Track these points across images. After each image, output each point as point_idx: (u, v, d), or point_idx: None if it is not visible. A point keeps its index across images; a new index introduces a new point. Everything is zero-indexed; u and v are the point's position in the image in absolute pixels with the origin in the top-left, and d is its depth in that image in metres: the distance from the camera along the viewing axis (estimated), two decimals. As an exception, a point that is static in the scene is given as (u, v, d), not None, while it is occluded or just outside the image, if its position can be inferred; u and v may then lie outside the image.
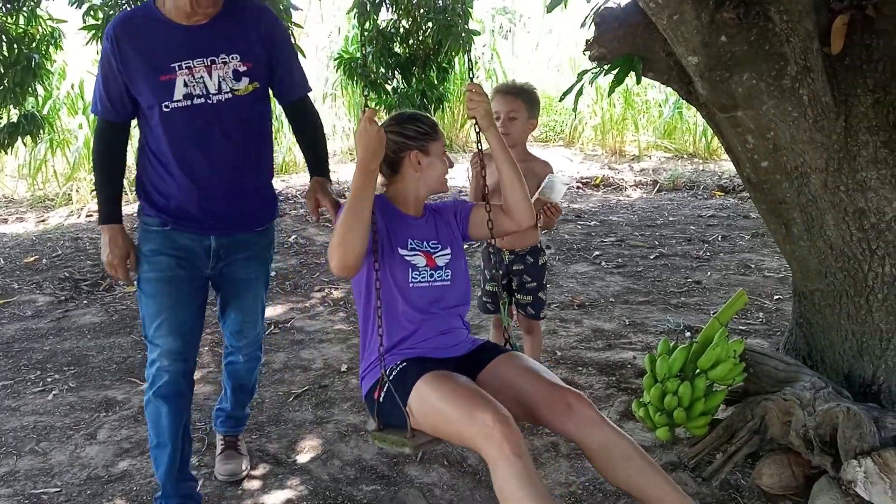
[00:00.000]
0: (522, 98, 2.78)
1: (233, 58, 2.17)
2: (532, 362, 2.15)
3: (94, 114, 2.29)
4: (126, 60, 2.14)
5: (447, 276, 2.16)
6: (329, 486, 2.55)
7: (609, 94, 2.38)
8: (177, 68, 2.13)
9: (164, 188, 2.24)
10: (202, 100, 2.15)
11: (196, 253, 2.28)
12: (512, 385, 2.05)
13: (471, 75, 2.33)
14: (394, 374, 2.03)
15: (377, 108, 4.51)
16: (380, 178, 2.14)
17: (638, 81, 2.54)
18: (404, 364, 2.05)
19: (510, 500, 1.80)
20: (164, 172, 2.22)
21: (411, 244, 2.15)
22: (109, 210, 2.28)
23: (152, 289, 2.26)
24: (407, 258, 2.13)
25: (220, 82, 2.16)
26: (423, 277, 2.13)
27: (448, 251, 2.19)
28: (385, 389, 2.01)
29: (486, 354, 2.17)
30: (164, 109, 2.14)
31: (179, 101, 2.14)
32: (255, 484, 2.58)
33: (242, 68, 2.18)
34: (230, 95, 2.18)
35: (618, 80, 2.54)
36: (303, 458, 2.74)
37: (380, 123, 2.04)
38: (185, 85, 2.13)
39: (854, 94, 2.30)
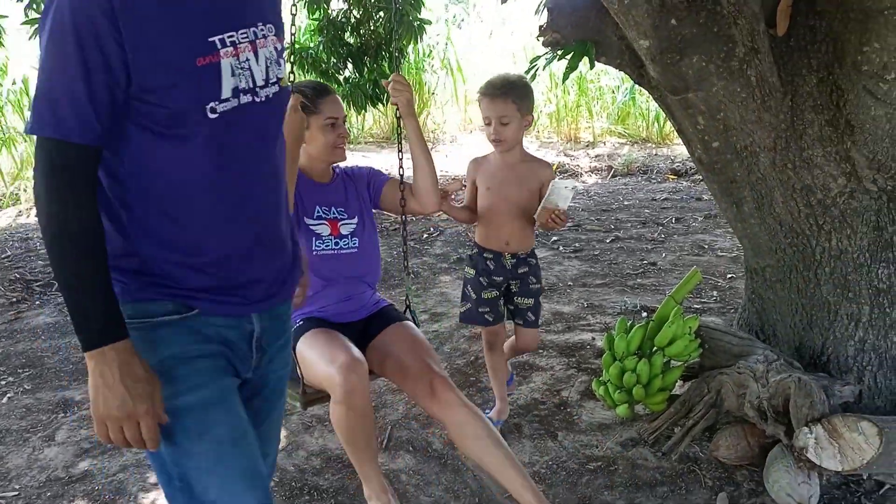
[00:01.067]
0: (512, 97, 2.51)
1: (269, 30, 1.35)
2: (417, 335, 2.29)
3: (41, 134, 1.18)
4: (139, 24, 1.17)
5: (353, 244, 2.30)
6: (295, 477, 2.54)
7: (563, 80, 2.38)
8: (218, 45, 1.24)
9: (182, 249, 1.32)
10: (249, 97, 1.30)
11: (237, 347, 1.40)
12: (394, 357, 2.22)
13: (397, 65, 2.48)
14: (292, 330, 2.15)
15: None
16: None
17: (591, 66, 2.58)
18: (301, 323, 2.24)
19: (342, 441, 2.13)
20: (185, 222, 1.31)
21: (318, 211, 2.28)
22: (104, 313, 1.22)
23: (196, 425, 1.31)
24: (311, 227, 2.26)
25: (266, 68, 1.33)
26: (326, 246, 2.27)
27: (354, 220, 2.32)
28: None
29: (379, 322, 2.32)
30: (210, 116, 1.24)
31: (227, 100, 1.27)
32: (220, 478, 2.56)
33: (279, 46, 1.37)
34: (276, 89, 1.37)
35: (571, 66, 2.57)
36: (268, 451, 2.72)
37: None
38: (233, 73, 1.27)
39: (799, 74, 2.36)
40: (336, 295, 2.29)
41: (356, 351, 2.12)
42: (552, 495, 2.38)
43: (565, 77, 2.69)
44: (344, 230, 2.29)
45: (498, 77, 2.61)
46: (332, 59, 4.69)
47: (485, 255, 2.70)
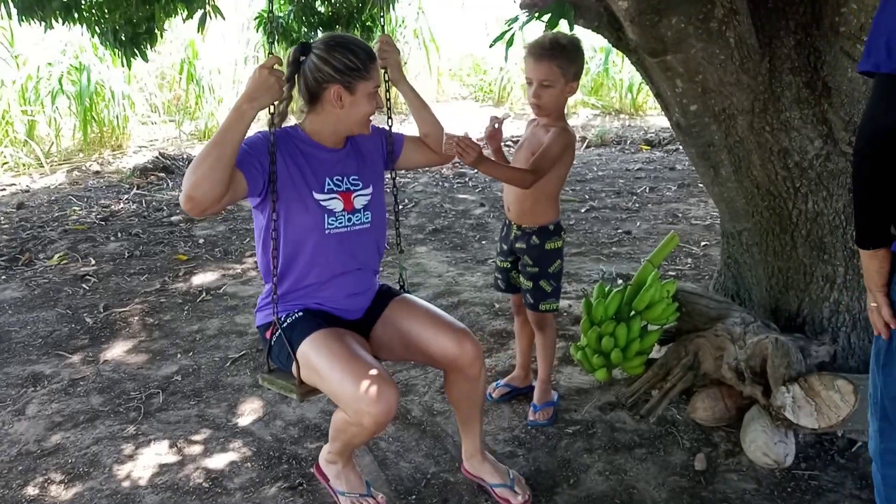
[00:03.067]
0: (559, 61, 2.32)
1: None
2: (424, 304, 2.14)
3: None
4: None
5: (366, 218, 2.04)
6: (273, 446, 2.52)
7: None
8: None
9: None
10: None
11: None
12: (405, 331, 2.06)
13: (381, 24, 2.28)
14: (288, 321, 1.96)
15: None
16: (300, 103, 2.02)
17: (571, 28, 2.54)
18: (300, 314, 1.97)
19: (336, 437, 2.03)
20: None
21: (329, 184, 1.98)
22: None
23: None
24: (322, 203, 1.96)
25: None
26: (339, 223, 1.98)
27: (369, 190, 2.05)
28: (277, 334, 1.96)
29: (379, 305, 2.12)
30: None
31: None
32: (195, 449, 2.53)
33: None
34: None
35: (550, 28, 2.53)
36: (244, 421, 2.70)
37: (285, 74, 1.89)
38: None
39: (777, 36, 2.35)
40: (345, 288, 2.03)
41: (382, 370, 1.83)
42: (532, 459, 2.39)
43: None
44: (357, 203, 2.01)
45: (547, 36, 2.38)
46: (303, 29, 4.60)
47: (505, 220, 2.62)
